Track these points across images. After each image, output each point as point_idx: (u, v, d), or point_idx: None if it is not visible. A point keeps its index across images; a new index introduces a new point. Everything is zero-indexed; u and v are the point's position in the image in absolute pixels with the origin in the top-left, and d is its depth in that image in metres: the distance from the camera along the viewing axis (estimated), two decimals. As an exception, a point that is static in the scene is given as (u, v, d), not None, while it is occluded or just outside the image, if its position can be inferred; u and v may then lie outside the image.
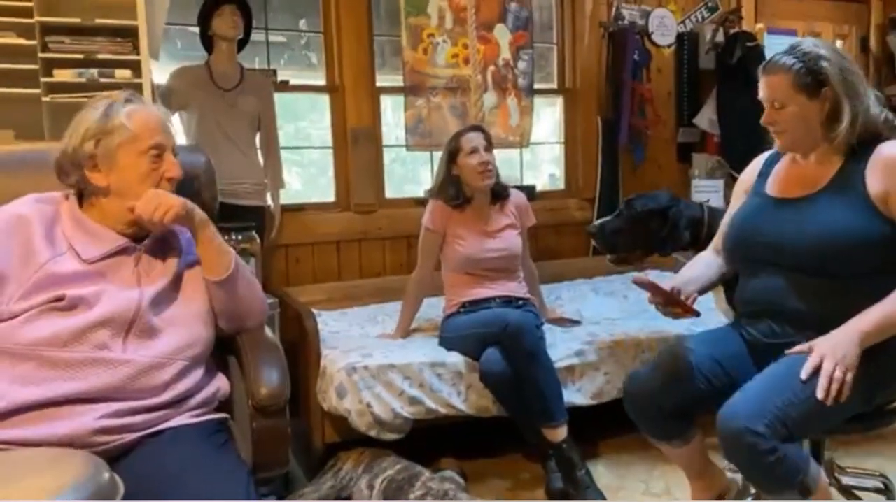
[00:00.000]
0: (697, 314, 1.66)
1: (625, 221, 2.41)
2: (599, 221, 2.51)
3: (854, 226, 1.56)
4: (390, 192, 3.71)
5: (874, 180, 1.58)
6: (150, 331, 1.40)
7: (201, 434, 1.38)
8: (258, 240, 2.68)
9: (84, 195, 1.47)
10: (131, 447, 1.32)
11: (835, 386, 1.44)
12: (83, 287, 1.36)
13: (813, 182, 1.66)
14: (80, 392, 1.29)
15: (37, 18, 2.50)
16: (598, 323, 2.87)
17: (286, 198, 3.33)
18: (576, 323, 2.86)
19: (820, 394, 1.44)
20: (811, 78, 1.60)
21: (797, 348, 1.54)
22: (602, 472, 2.43)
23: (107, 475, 1.13)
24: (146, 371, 1.36)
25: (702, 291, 1.77)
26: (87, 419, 1.28)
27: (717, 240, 1.87)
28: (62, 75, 2.55)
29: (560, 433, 2.31)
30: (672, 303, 1.66)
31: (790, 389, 1.46)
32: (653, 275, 2.97)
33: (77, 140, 1.42)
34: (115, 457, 1.29)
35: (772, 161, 1.81)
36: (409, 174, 4.16)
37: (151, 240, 1.48)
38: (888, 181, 1.57)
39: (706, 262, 1.85)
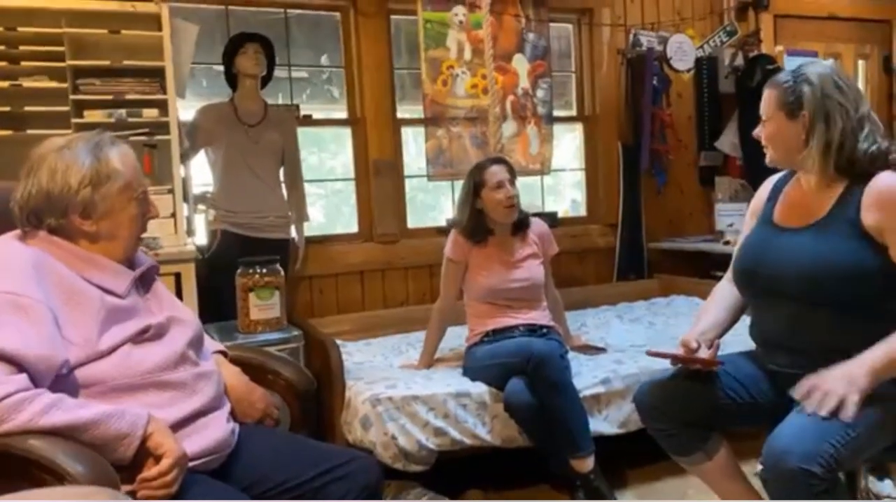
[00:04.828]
0: (721, 364, 1.68)
1: None
2: None
3: (846, 257, 1.54)
4: (412, 222, 3.74)
5: (868, 212, 1.56)
6: (200, 344, 1.54)
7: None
8: (283, 272, 2.70)
9: (60, 235, 1.39)
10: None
11: (832, 402, 1.41)
12: (148, 316, 1.43)
13: (813, 210, 1.65)
14: (202, 405, 1.41)
15: (68, 62, 2.59)
16: (624, 350, 2.84)
17: (310, 229, 3.37)
18: (601, 350, 2.83)
19: (808, 409, 1.43)
20: (793, 98, 1.61)
21: (803, 388, 1.49)
22: (631, 503, 2.39)
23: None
24: (218, 377, 1.52)
25: (722, 334, 1.77)
26: (219, 425, 1.42)
27: (731, 271, 1.85)
28: (93, 116, 2.63)
29: (587, 463, 2.28)
30: (692, 362, 1.67)
31: (842, 427, 1.42)
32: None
33: (67, 186, 1.35)
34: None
35: (782, 184, 1.80)
36: (431, 203, 4.19)
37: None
38: (880, 214, 1.54)
39: (723, 297, 1.83)
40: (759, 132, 1.71)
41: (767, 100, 1.67)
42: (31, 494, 1.05)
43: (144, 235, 1.52)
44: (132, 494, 1.22)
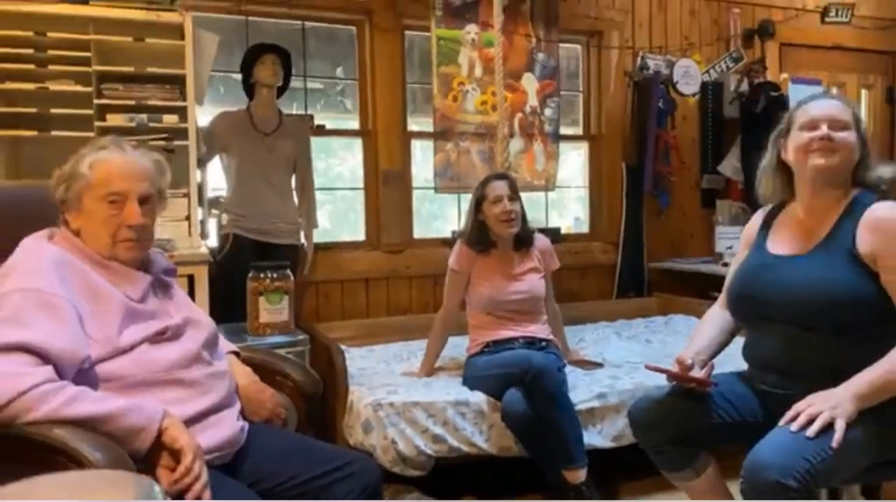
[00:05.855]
0: (715, 384, 1.74)
1: None
2: None
3: (841, 284, 1.60)
4: (418, 232, 3.82)
5: (863, 240, 1.62)
6: (214, 345, 1.61)
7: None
8: (292, 278, 2.78)
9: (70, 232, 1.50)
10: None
11: (818, 423, 1.47)
12: (166, 318, 1.51)
13: (809, 238, 1.71)
14: (214, 403, 1.48)
15: (94, 67, 2.67)
16: (620, 366, 2.91)
17: (317, 236, 3.45)
18: (598, 365, 2.89)
19: (794, 427, 1.48)
20: (852, 113, 1.71)
21: (789, 414, 1.54)
22: (622, 515, 2.45)
23: (157, 488, 1.21)
24: (230, 377, 1.59)
25: (715, 355, 1.83)
26: (230, 422, 1.50)
27: (724, 296, 1.91)
28: (114, 120, 2.71)
29: (580, 475, 2.35)
30: (686, 380, 1.74)
31: (819, 444, 1.47)
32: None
33: (53, 184, 1.49)
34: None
35: (774, 213, 1.86)
36: (437, 214, 4.27)
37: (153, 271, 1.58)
38: (876, 243, 1.61)
39: (716, 322, 1.89)
40: (828, 136, 1.66)
41: (842, 112, 1.69)
42: (62, 478, 1.11)
43: (159, 237, 1.60)
44: None
